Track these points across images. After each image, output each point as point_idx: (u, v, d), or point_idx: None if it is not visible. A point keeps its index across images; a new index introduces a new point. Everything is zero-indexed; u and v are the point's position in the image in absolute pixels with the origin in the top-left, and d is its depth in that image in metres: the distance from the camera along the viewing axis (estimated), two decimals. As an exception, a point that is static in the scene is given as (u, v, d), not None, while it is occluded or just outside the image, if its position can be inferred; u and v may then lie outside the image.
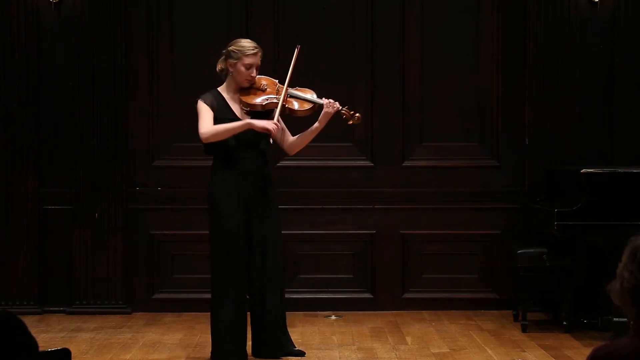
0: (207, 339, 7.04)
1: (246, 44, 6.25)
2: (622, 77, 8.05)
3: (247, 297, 6.29)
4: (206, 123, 6.12)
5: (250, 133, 6.14)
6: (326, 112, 6.25)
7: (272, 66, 7.60)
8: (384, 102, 8.17)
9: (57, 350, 2.98)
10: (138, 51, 8.12)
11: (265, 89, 6.27)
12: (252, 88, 6.27)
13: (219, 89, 6.31)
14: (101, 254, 8.00)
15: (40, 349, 2.58)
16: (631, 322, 2.64)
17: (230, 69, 6.23)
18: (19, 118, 7.96)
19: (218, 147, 6.17)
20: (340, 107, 6.28)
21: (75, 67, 7.98)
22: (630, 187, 6.82)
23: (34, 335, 2.54)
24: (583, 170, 6.88)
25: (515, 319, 7.56)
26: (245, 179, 6.17)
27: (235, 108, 6.26)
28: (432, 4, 8.16)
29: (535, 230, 7.64)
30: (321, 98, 6.35)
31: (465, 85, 8.16)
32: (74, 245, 8.00)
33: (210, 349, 6.36)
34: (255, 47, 6.24)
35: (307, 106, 6.30)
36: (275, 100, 6.22)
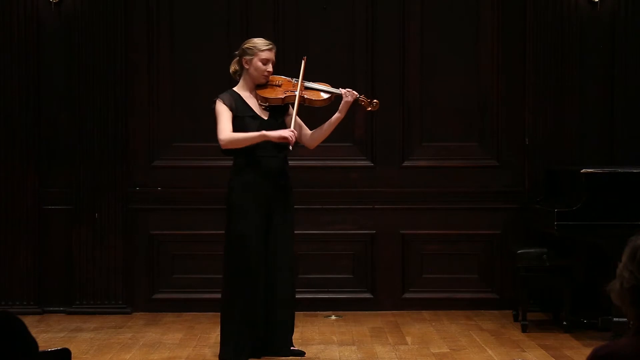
0: (207, 339, 7.04)
1: (260, 40, 6.40)
2: (622, 77, 8.05)
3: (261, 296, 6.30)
4: (225, 128, 6.18)
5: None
6: (346, 102, 6.36)
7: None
8: (384, 102, 8.15)
9: (57, 350, 2.98)
10: (138, 51, 8.12)
11: (281, 84, 6.39)
12: (268, 85, 6.37)
13: (234, 88, 6.39)
14: (101, 254, 8.00)
15: (40, 349, 2.58)
16: (631, 322, 2.64)
17: (247, 66, 6.32)
18: (19, 118, 7.96)
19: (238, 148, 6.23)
20: (358, 95, 6.37)
21: (75, 66, 7.99)
22: (630, 187, 6.82)
23: (34, 335, 2.54)
24: (583, 170, 6.88)
25: (515, 319, 7.56)
26: (266, 178, 6.22)
27: (254, 105, 6.33)
28: (432, 4, 8.16)
29: (535, 230, 7.64)
30: (337, 88, 6.43)
31: (465, 85, 8.17)
32: (74, 246, 8.00)
33: (219, 349, 6.32)
34: (270, 43, 6.38)
35: (325, 96, 6.42)
36: (294, 93, 6.30)
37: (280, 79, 6.40)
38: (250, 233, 6.19)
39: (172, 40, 8.15)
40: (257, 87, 6.35)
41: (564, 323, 7.20)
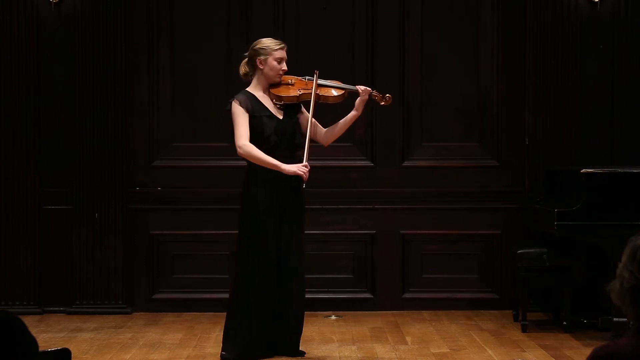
0: (207, 338, 7.04)
1: (271, 40, 6.45)
2: (622, 77, 8.05)
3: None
4: (244, 135, 6.23)
5: (287, 131, 6.30)
6: (362, 99, 6.43)
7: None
8: (384, 102, 8.16)
9: (57, 350, 2.98)
10: (138, 51, 8.12)
11: (294, 82, 6.44)
12: (282, 84, 6.42)
13: (248, 89, 6.41)
14: (101, 254, 8.00)
15: (40, 349, 2.58)
16: (631, 322, 2.64)
17: (261, 67, 6.36)
18: (19, 118, 7.96)
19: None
20: (372, 91, 6.45)
21: (75, 66, 7.99)
22: (630, 187, 6.82)
23: (34, 335, 2.54)
24: (583, 170, 6.88)
25: (515, 319, 7.56)
26: (283, 178, 6.22)
27: (269, 105, 6.38)
28: (432, 4, 8.16)
29: (535, 230, 7.63)
30: (353, 85, 6.52)
31: (465, 85, 8.17)
32: (74, 246, 8.00)
33: (222, 347, 6.32)
34: (281, 42, 6.45)
35: (339, 93, 6.47)
36: (308, 91, 6.36)
37: (292, 78, 6.45)
38: (264, 234, 6.24)
39: (172, 40, 8.15)
40: (270, 86, 6.40)
41: (564, 323, 7.20)
